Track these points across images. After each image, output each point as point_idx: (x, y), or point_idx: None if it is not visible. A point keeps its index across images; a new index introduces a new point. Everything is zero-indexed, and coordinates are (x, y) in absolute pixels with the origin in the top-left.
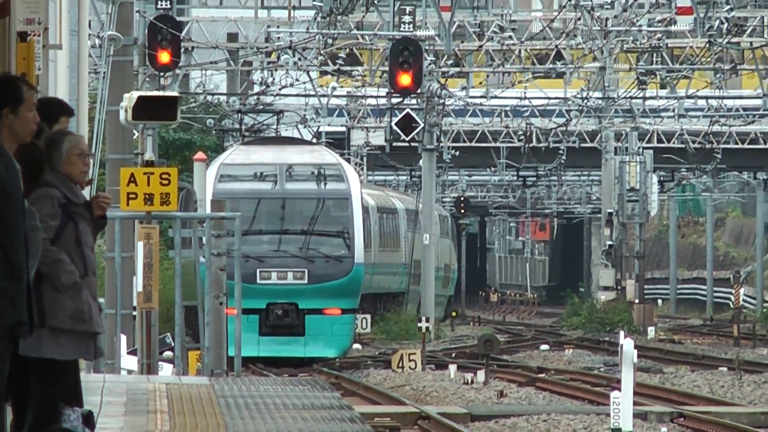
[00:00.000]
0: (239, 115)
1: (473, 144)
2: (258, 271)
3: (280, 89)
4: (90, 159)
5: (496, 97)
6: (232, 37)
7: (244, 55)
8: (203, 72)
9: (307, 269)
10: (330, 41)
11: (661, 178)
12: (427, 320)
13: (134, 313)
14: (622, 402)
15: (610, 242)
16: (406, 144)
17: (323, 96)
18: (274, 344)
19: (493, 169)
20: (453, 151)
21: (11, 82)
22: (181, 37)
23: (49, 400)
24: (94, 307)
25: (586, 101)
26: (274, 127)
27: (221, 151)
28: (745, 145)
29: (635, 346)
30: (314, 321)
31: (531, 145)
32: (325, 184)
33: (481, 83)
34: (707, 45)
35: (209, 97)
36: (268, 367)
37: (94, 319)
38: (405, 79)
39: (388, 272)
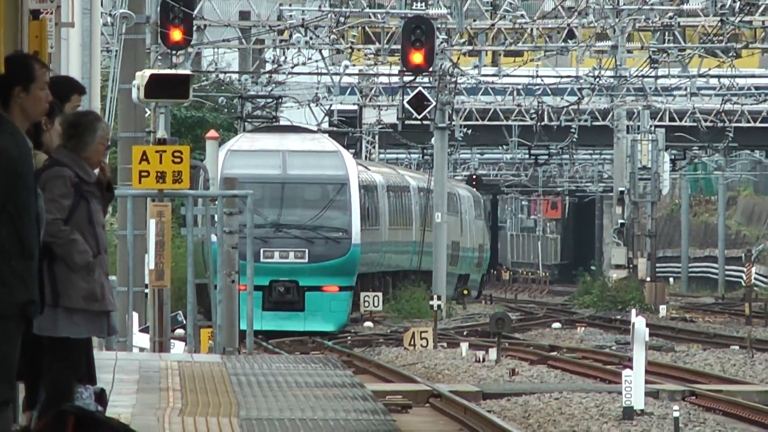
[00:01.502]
0: (240, 100)
1: (485, 122)
2: (262, 250)
3: (292, 68)
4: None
5: (507, 75)
6: (244, 15)
7: (256, 34)
8: (215, 50)
9: (307, 249)
10: (342, 19)
11: (673, 157)
12: (439, 298)
13: (146, 291)
14: (634, 380)
15: (622, 221)
16: (418, 122)
17: (335, 74)
18: (276, 319)
19: (505, 147)
20: (465, 130)
21: (23, 60)
22: (193, 15)
23: (62, 378)
24: (106, 285)
25: (598, 80)
26: (277, 113)
27: (233, 129)
28: (757, 124)
29: (647, 325)
30: (313, 297)
31: (543, 123)
32: (325, 169)
33: (493, 63)
34: (719, 23)
35: (221, 76)
36: (270, 340)
37: (106, 298)
38: (417, 58)
39: (399, 250)
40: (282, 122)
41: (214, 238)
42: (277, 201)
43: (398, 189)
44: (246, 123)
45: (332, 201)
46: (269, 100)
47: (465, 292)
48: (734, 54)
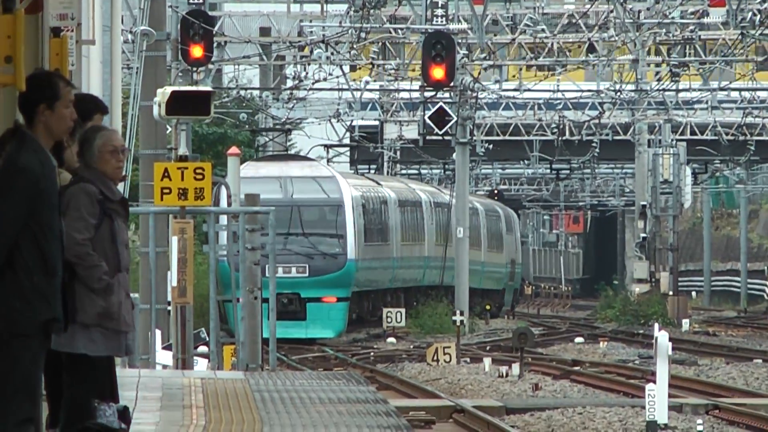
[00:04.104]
0: (252, 134)
1: (506, 137)
2: (266, 266)
3: (313, 83)
4: (124, 154)
5: (528, 90)
6: (265, 31)
7: (276, 50)
8: (236, 67)
9: (307, 264)
10: (363, 35)
11: (695, 170)
12: (462, 314)
13: (169, 308)
14: (657, 394)
15: (644, 235)
16: (440, 138)
17: (356, 90)
18: (280, 327)
19: (526, 162)
20: (486, 145)
21: (48, 78)
22: (214, 32)
23: (80, 395)
24: (126, 304)
25: (619, 94)
26: (287, 143)
27: (254, 146)
28: None
29: (670, 339)
30: (314, 307)
31: (564, 138)
32: (322, 193)
33: (514, 76)
34: (740, 37)
35: (242, 92)
36: (293, 356)
37: (122, 318)
38: (438, 73)
39: (413, 265)
40: (300, 140)
41: (222, 254)
42: (280, 222)
43: (410, 204)
44: (259, 152)
45: (329, 221)
46: (278, 133)
47: (488, 307)
48: (755, 67)
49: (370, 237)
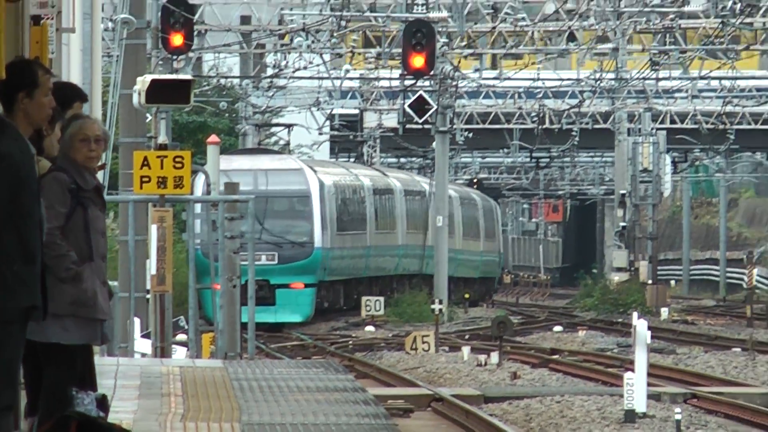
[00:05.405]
0: (256, 128)
1: (486, 126)
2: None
3: (293, 72)
4: (101, 144)
5: (509, 78)
6: (245, 19)
7: (257, 38)
8: (216, 55)
9: (276, 252)
10: (343, 23)
11: (674, 159)
12: (441, 302)
13: (148, 296)
14: (636, 383)
15: (623, 223)
16: (419, 126)
17: (336, 78)
18: None
19: (506, 150)
20: (466, 133)
21: (27, 66)
22: (194, 20)
23: (58, 384)
24: (101, 292)
25: (599, 82)
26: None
27: (234, 134)
28: (759, 126)
29: (648, 327)
30: (282, 293)
31: (544, 126)
32: (291, 185)
33: (494, 65)
34: (720, 25)
35: (222, 80)
36: (271, 345)
37: (98, 305)
38: (418, 61)
39: (387, 254)
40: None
41: (197, 242)
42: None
43: (384, 192)
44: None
45: (297, 211)
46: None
47: (466, 295)
48: (734, 56)
49: (342, 226)
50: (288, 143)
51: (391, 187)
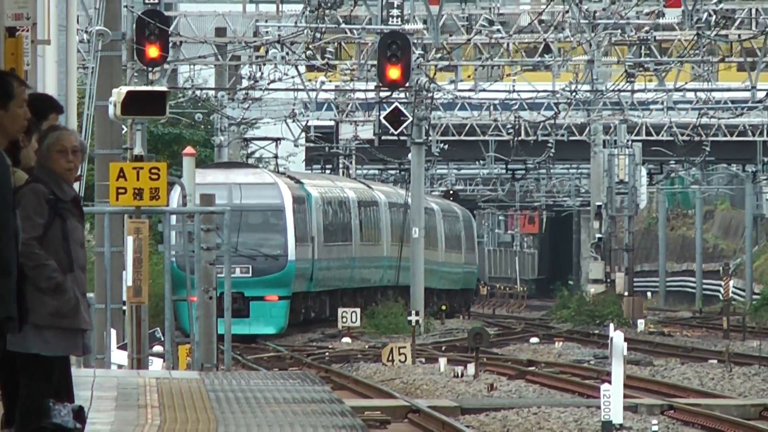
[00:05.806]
0: (245, 141)
1: (462, 137)
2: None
3: (268, 84)
4: (78, 155)
5: (484, 90)
6: (220, 31)
7: (232, 50)
8: (191, 67)
9: (250, 265)
10: (318, 35)
11: (650, 171)
12: (417, 314)
13: (124, 307)
14: (612, 394)
15: (599, 235)
16: (395, 138)
17: (312, 90)
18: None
19: (481, 162)
20: (442, 145)
21: (2, 77)
22: (169, 32)
23: (35, 395)
24: (82, 303)
25: (574, 94)
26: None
27: (210, 145)
28: (734, 138)
29: (625, 339)
30: (257, 306)
31: (520, 138)
32: (265, 198)
33: (469, 77)
34: (695, 37)
35: (198, 92)
36: (248, 356)
37: (79, 316)
38: (393, 73)
39: (372, 265)
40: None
41: (172, 254)
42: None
43: (369, 204)
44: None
45: (271, 224)
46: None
47: (443, 307)
48: (710, 67)
49: (327, 237)
50: (276, 156)
51: (375, 199)
